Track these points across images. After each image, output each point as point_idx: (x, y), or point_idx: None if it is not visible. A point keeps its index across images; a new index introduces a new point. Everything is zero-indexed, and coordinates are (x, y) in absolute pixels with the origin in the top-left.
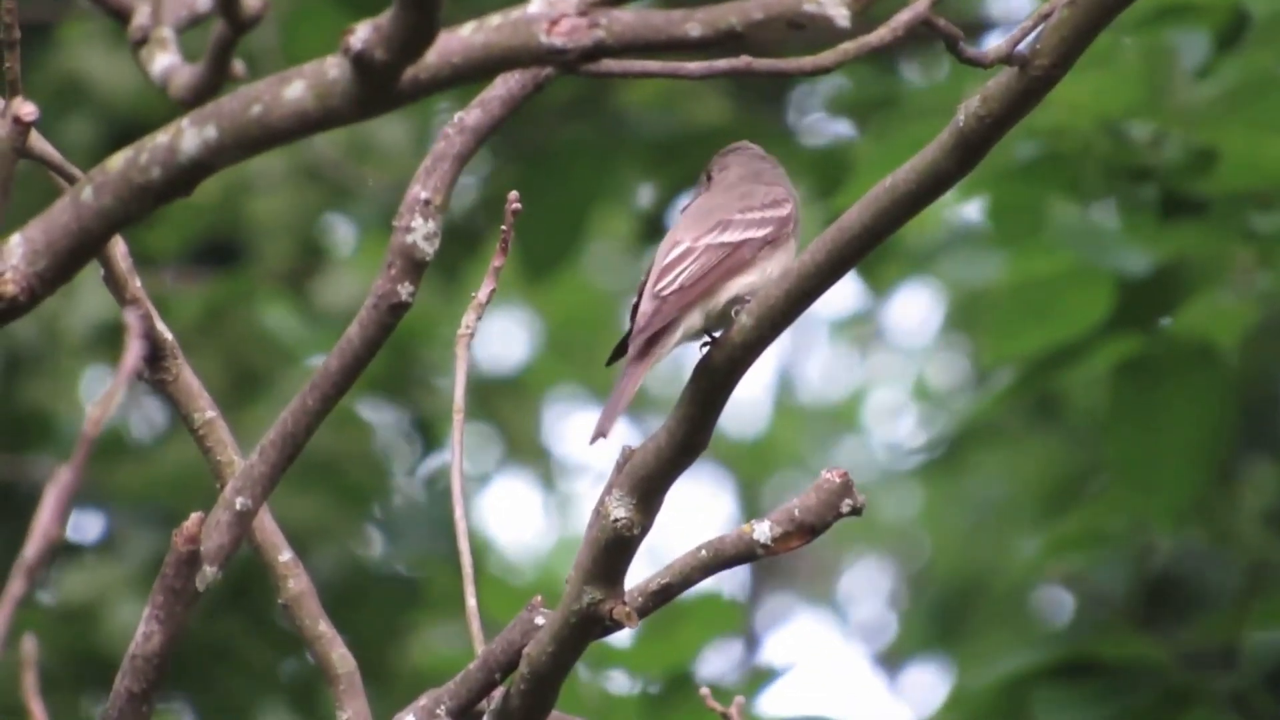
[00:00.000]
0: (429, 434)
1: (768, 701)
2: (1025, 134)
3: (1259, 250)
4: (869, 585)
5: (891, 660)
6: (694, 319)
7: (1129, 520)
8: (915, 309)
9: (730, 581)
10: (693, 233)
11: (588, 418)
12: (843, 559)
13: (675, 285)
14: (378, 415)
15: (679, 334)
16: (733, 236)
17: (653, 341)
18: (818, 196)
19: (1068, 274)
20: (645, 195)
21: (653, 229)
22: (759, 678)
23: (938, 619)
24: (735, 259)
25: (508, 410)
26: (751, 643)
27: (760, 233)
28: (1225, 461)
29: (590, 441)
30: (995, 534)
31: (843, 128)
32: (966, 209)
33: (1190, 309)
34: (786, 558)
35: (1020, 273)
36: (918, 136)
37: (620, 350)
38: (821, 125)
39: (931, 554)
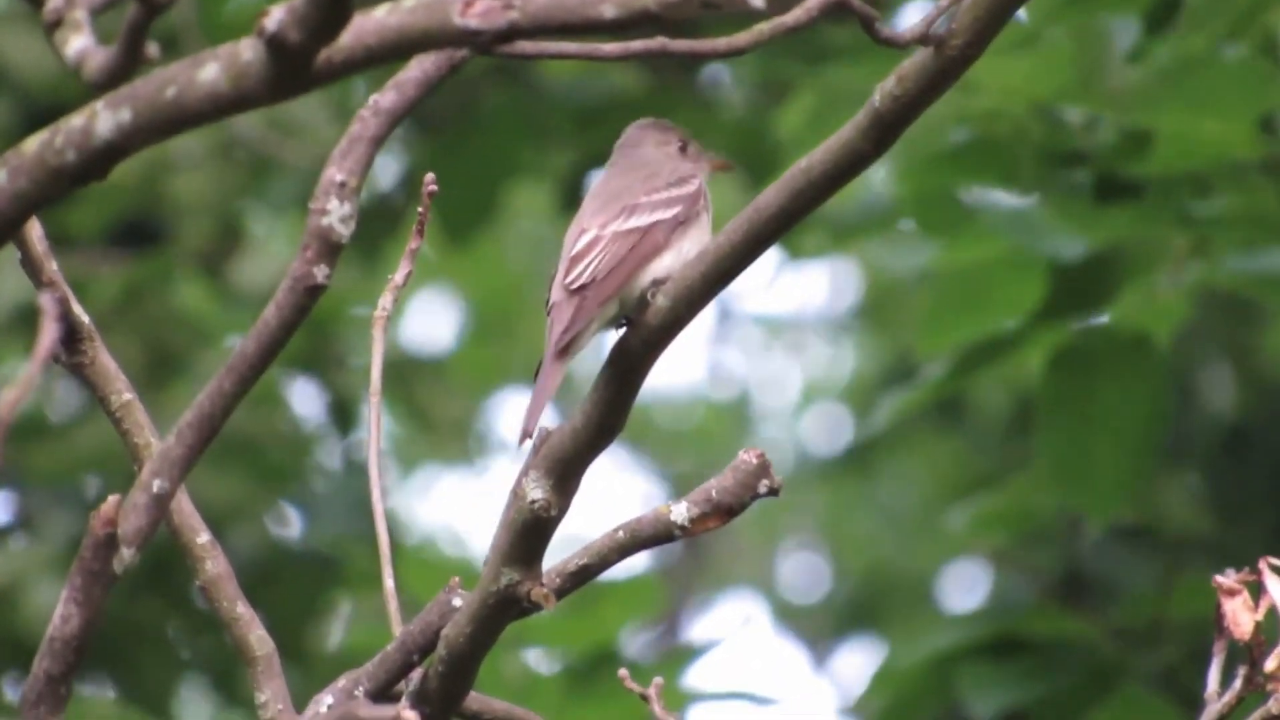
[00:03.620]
0: (347, 413)
1: (692, 679)
2: (957, 119)
3: (1195, 236)
4: (805, 570)
5: (822, 643)
6: (610, 309)
7: (1057, 501)
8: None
9: (662, 560)
10: (599, 219)
11: (510, 399)
12: (780, 544)
13: (588, 276)
14: (296, 394)
15: (595, 327)
16: (641, 220)
17: (573, 340)
18: (738, 167)
19: (999, 261)
20: (563, 165)
21: (571, 199)
22: (682, 656)
23: (853, 613)
24: (648, 244)
25: (426, 391)
26: (680, 622)
27: (670, 213)
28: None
29: (519, 444)
30: (902, 538)
31: (761, 96)
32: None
33: (1124, 300)
34: (726, 541)
35: (949, 261)
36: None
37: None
38: (738, 95)
39: (838, 555)
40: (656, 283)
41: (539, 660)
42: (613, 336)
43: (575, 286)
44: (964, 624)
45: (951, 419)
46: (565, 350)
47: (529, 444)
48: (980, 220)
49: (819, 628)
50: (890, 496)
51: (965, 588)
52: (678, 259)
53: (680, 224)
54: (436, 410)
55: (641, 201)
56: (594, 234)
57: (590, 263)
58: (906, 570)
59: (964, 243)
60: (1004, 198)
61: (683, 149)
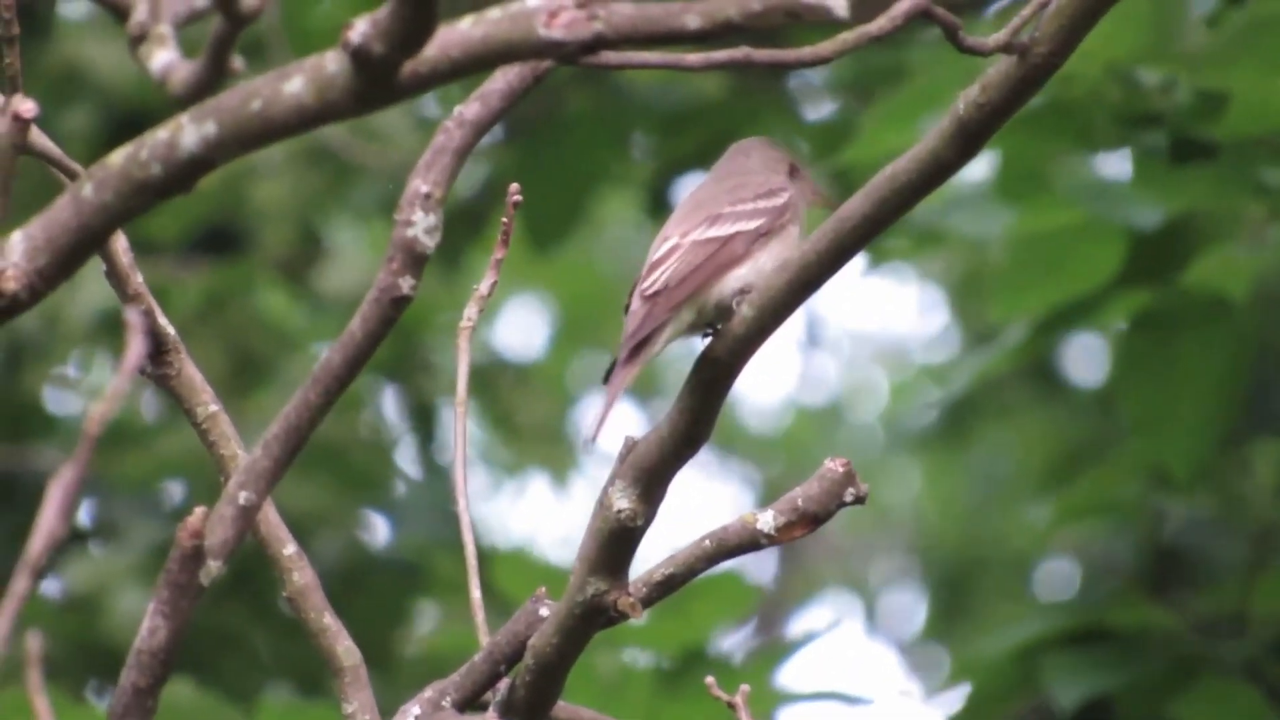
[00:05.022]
0: (429, 418)
1: (785, 679)
2: None
3: (1270, 204)
4: (898, 569)
5: (916, 645)
6: (685, 316)
7: (1139, 486)
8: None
9: (757, 559)
10: (681, 227)
11: (593, 407)
12: (874, 545)
13: (661, 284)
14: (381, 400)
15: (668, 333)
16: (722, 230)
17: (643, 344)
18: (822, 170)
19: (1078, 228)
20: (648, 170)
21: (657, 203)
22: (775, 653)
23: (944, 594)
24: (726, 254)
25: (513, 395)
26: (774, 623)
27: (752, 225)
28: (1236, 425)
29: (585, 448)
30: (1000, 508)
31: (847, 100)
32: (973, 166)
33: (1202, 263)
34: (819, 541)
35: (1029, 227)
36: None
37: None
38: (825, 99)
39: (935, 529)
40: (738, 292)
41: (631, 658)
42: (699, 345)
43: (650, 292)
44: (1048, 613)
45: (1047, 388)
46: (634, 354)
47: (596, 443)
48: (1058, 188)
49: (911, 624)
50: (986, 475)
51: (1054, 576)
52: (755, 270)
53: (762, 236)
54: (523, 415)
55: (725, 211)
56: (674, 241)
57: (666, 269)
58: (1001, 554)
59: (1042, 210)
60: (1082, 165)
61: (791, 173)
